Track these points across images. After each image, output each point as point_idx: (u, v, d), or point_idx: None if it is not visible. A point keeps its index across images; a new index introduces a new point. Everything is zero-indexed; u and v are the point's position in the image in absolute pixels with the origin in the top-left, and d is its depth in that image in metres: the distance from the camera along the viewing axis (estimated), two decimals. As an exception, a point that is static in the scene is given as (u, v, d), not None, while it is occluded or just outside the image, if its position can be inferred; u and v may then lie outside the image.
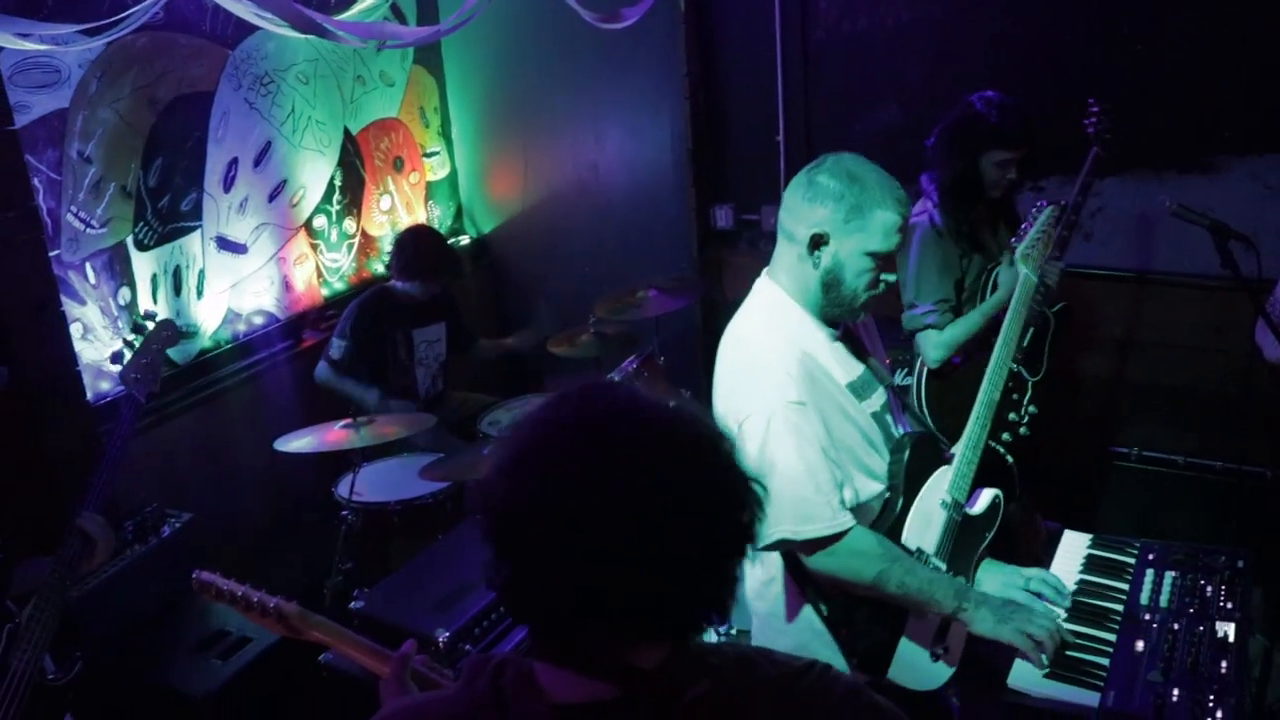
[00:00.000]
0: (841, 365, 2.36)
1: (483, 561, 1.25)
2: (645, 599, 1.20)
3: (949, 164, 3.48)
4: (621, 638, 1.24)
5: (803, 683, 1.32)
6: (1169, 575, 2.60)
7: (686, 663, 1.27)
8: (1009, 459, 2.62)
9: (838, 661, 2.34)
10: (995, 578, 2.52)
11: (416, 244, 4.70)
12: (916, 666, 2.37)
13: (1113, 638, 2.41)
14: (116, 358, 2.88)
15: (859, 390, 2.37)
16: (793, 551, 2.29)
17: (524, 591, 1.24)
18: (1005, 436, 3.45)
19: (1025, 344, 3.47)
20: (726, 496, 1.24)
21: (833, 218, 2.25)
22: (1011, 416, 3.49)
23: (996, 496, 2.54)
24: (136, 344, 2.85)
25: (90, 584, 3.36)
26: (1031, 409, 3.53)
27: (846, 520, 2.22)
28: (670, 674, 1.25)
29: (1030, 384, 3.54)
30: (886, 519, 2.37)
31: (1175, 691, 2.20)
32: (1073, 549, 2.80)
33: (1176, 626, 2.40)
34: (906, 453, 2.38)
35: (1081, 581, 2.64)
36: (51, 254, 3.65)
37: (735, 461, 1.27)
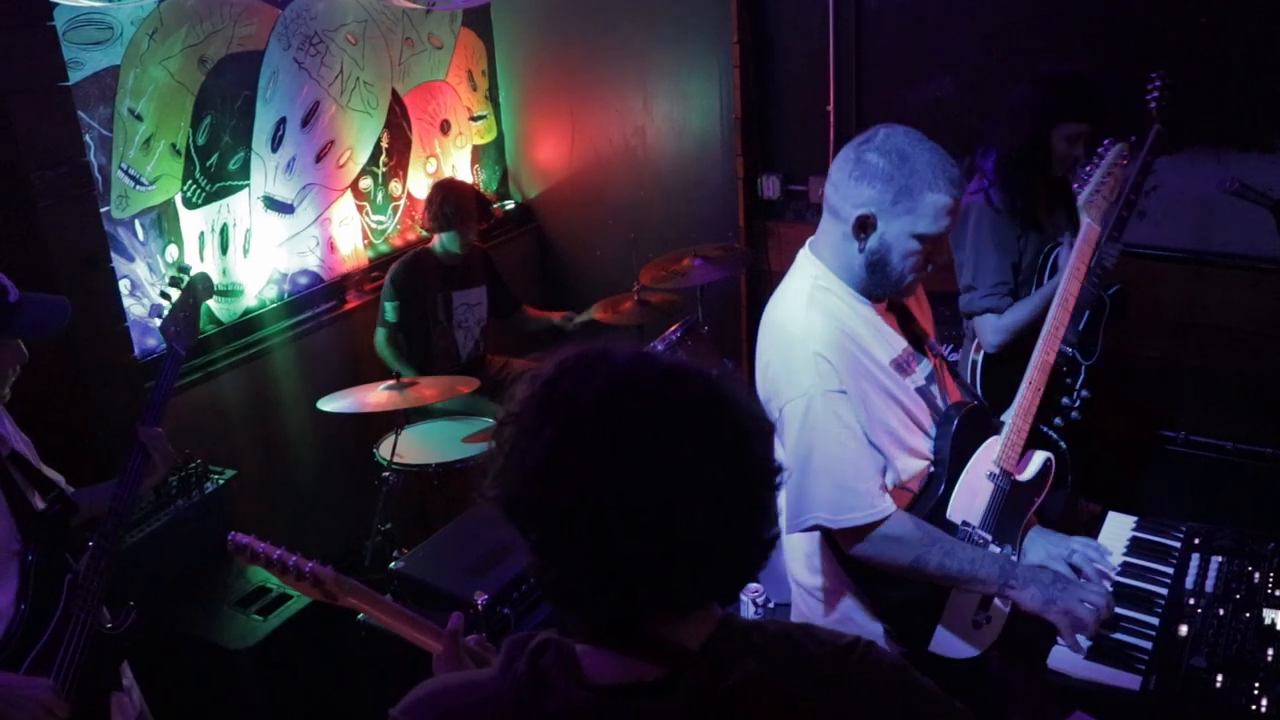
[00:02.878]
0: (884, 342, 2.31)
1: (530, 563, 1.24)
2: (690, 570, 1.18)
3: (1016, 137, 3.35)
4: (657, 610, 1.21)
5: (848, 662, 1.29)
6: (1215, 560, 2.55)
7: (732, 641, 1.24)
8: (1061, 444, 2.55)
9: (879, 633, 2.33)
10: (1041, 546, 2.49)
11: (444, 194, 4.69)
12: (959, 635, 2.35)
13: (1156, 621, 2.37)
14: (155, 311, 2.91)
15: (903, 365, 2.32)
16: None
17: (568, 588, 1.22)
18: (1057, 420, 3.37)
19: (1080, 327, 3.39)
20: (740, 452, 1.21)
21: (880, 199, 2.17)
22: (1064, 400, 3.41)
23: (1047, 460, 2.49)
24: (174, 298, 2.86)
25: (135, 537, 3.41)
26: (1084, 393, 3.45)
27: (885, 508, 2.18)
28: (715, 653, 1.23)
29: (1084, 368, 3.46)
30: (931, 495, 2.33)
31: (1219, 678, 2.17)
32: (1117, 531, 2.75)
33: (1222, 612, 2.36)
34: (954, 425, 2.34)
35: (1125, 564, 2.60)
36: (101, 210, 3.68)
37: (747, 414, 1.24)
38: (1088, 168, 2.78)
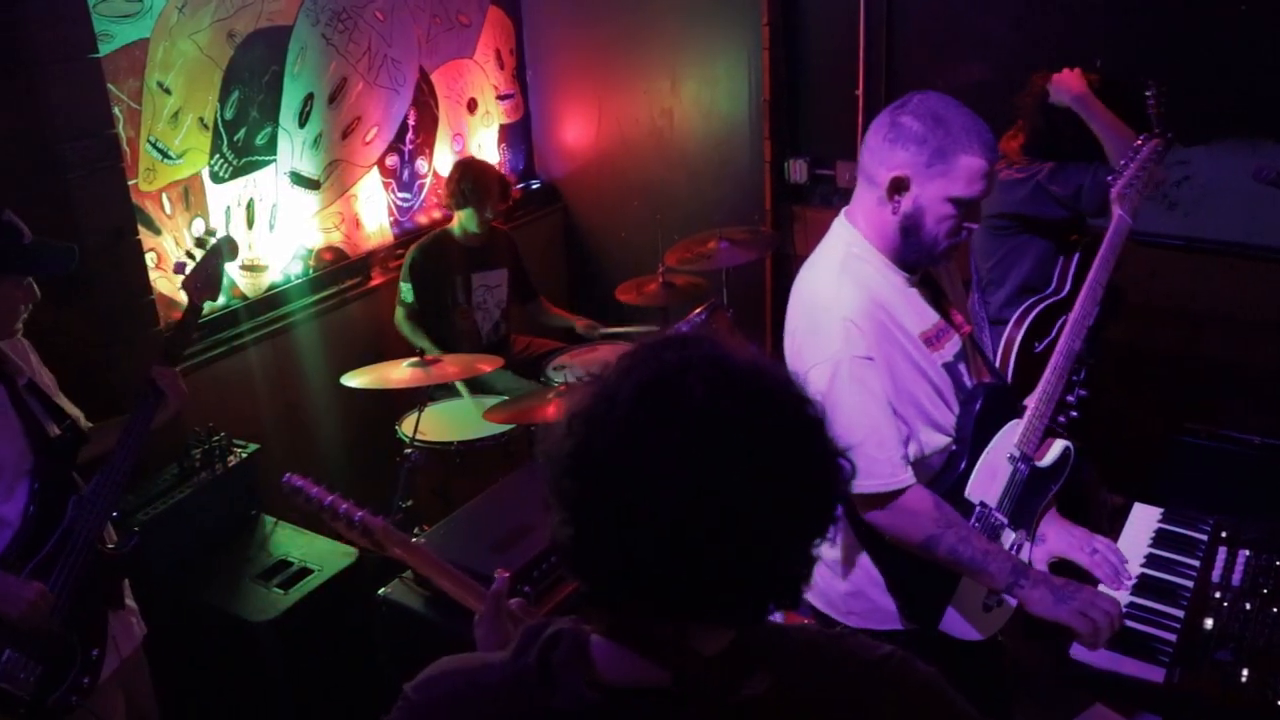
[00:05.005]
0: (915, 313, 2.30)
1: (552, 521, 1.18)
2: (710, 576, 1.11)
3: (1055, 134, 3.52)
4: (683, 617, 1.15)
5: (878, 675, 1.23)
6: (1243, 554, 2.53)
7: (750, 651, 1.19)
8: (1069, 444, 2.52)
9: (891, 609, 2.33)
10: (1062, 535, 2.48)
11: (464, 171, 4.71)
12: (968, 617, 2.34)
13: (1180, 614, 2.35)
14: (179, 268, 3.02)
15: (932, 339, 2.31)
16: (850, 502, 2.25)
17: (583, 554, 1.17)
18: (1060, 419, 3.35)
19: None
20: (812, 471, 1.14)
21: (914, 161, 2.16)
22: (1068, 398, 3.40)
23: (1067, 448, 2.48)
24: (198, 258, 2.96)
25: (158, 509, 3.43)
26: (1083, 392, 3.43)
27: (905, 478, 2.18)
28: (731, 662, 1.17)
29: (1084, 367, 3.44)
30: (951, 472, 2.32)
31: (1245, 672, 2.15)
32: (1143, 522, 2.73)
33: (1248, 606, 2.34)
34: (978, 404, 2.33)
35: (1150, 556, 2.58)
36: (129, 183, 3.69)
37: (824, 432, 1.16)
38: (1122, 161, 2.76)
